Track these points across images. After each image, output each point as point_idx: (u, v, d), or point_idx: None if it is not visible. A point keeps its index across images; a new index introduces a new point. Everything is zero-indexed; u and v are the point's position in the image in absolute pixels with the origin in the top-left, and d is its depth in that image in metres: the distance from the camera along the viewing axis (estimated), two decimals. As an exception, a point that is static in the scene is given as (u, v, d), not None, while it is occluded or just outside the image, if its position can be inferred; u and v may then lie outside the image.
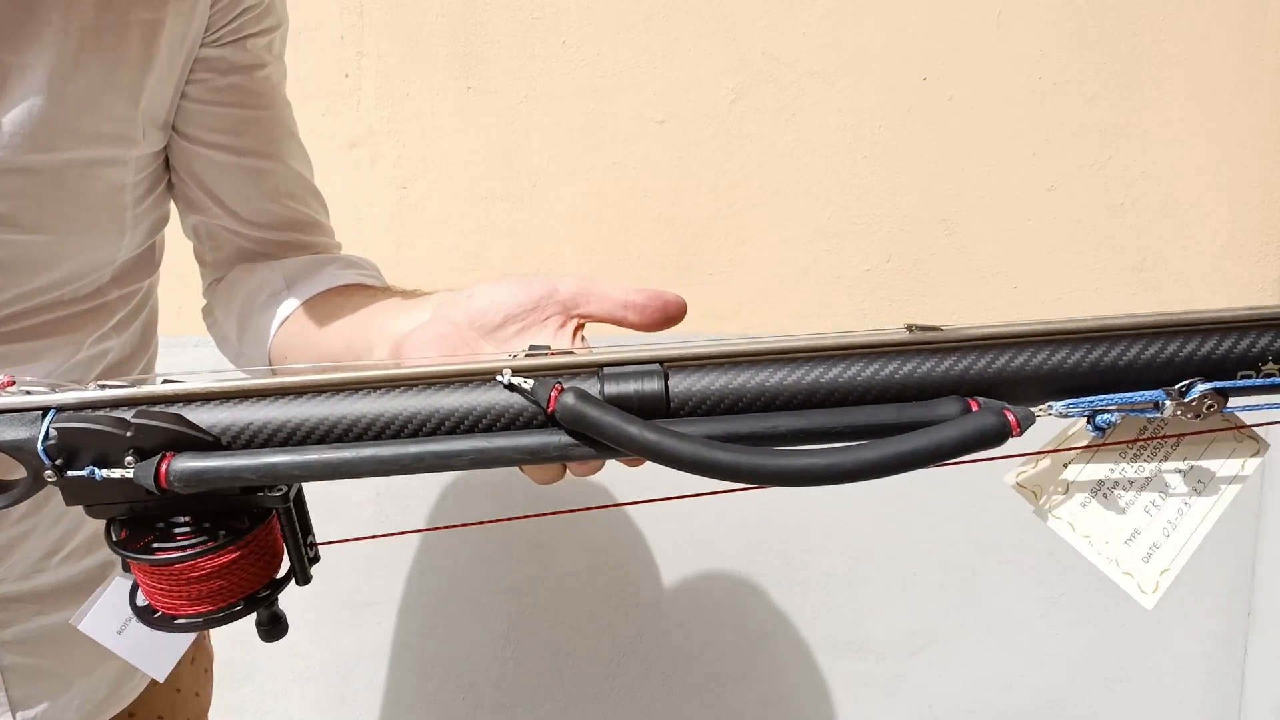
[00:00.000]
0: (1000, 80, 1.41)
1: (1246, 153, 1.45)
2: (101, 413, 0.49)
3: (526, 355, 0.51)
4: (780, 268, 1.44)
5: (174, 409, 0.49)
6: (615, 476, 1.50)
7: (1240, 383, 0.49)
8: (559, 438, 0.49)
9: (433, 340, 0.58)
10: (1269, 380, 0.49)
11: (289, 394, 0.50)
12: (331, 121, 1.37)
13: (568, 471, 0.56)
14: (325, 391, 0.50)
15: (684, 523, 1.51)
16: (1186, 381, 0.49)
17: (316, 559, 0.56)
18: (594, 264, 1.42)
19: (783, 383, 0.49)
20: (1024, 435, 0.48)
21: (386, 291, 0.77)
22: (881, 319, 1.46)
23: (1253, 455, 0.53)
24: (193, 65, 0.74)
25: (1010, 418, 0.47)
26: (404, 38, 1.35)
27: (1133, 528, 0.54)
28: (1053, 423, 0.51)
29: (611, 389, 0.49)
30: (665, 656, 1.57)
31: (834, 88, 1.40)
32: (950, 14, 1.39)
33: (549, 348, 0.53)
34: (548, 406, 0.48)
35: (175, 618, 0.53)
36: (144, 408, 0.49)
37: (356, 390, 0.50)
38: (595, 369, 0.50)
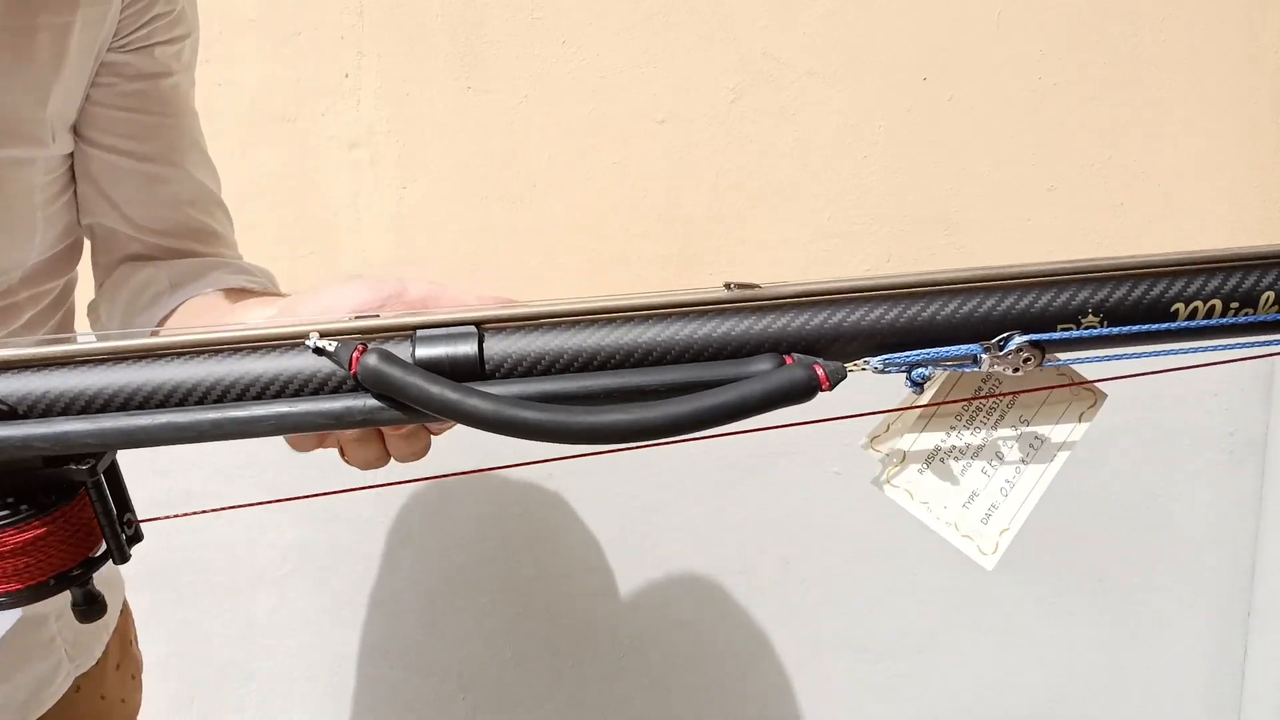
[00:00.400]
0: (1000, 80, 1.41)
1: (1246, 153, 1.45)
2: None
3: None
4: (780, 268, 1.44)
5: None
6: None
7: (1057, 335, 0.48)
8: (364, 401, 0.47)
9: None
10: (1088, 332, 0.48)
11: (89, 361, 0.48)
12: (331, 121, 1.37)
13: (392, 456, 0.55)
14: (128, 359, 0.49)
15: (684, 523, 1.51)
16: (1004, 335, 0.48)
17: (137, 537, 0.54)
18: (594, 264, 1.42)
19: (601, 343, 0.49)
20: (870, 397, 0.48)
21: (264, 295, 0.76)
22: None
23: (1090, 407, 0.53)
24: (99, 69, 0.74)
25: (819, 372, 0.46)
26: (404, 38, 1.35)
27: (970, 490, 0.53)
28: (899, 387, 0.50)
29: (424, 352, 0.48)
30: (665, 656, 1.57)
31: (834, 88, 1.40)
32: (950, 14, 1.39)
33: (378, 317, 0.51)
34: (350, 368, 0.47)
35: None
36: None
37: (160, 357, 0.49)
38: (408, 331, 0.49)
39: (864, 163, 1.42)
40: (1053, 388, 0.52)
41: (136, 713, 0.98)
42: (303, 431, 0.48)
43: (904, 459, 0.53)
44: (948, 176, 1.43)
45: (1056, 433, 0.53)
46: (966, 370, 0.48)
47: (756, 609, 1.55)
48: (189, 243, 0.81)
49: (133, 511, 0.53)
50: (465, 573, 1.52)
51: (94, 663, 0.90)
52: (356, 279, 0.58)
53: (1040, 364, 0.48)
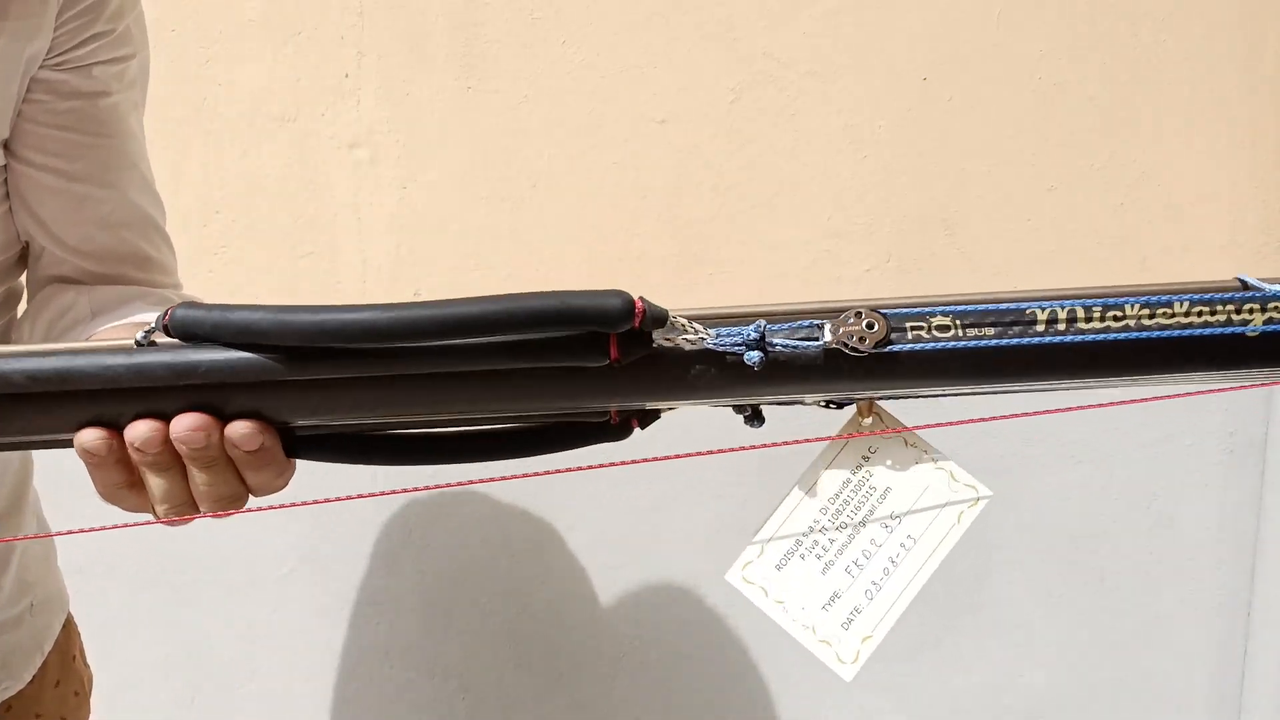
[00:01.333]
0: (1000, 80, 1.41)
1: (1246, 153, 1.45)
2: None
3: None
4: (780, 268, 1.44)
5: None
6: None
7: (903, 309, 0.47)
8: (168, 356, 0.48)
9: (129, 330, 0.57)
10: (930, 309, 0.47)
11: None
12: (331, 121, 1.37)
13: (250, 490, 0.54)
14: None
15: (685, 523, 1.51)
16: (850, 310, 0.47)
17: None
18: (594, 264, 1.42)
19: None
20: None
21: None
22: (881, 319, 1.46)
23: (971, 505, 0.50)
24: (32, 86, 0.72)
25: (639, 305, 0.45)
26: (404, 38, 1.35)
27: (832, 591, 0.49)
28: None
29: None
30: (665, 656, 1.56)
31: (834, 88, 1.40)
32: (950, 14, 1.39)
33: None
34: (163, 323, 0.48)
35: None
36: None
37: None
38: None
39: (864, 163, 1.42)
40: (920, 459, 0.49)
41: None
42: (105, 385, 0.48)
43: (761, 552, 0.49)
44: (948, 176, 1.43)
45: (932, 532, 0.49)
46: (810, 347, 0.45)
47: (757, 609, 1.55)
48: (120, 267, 0.79)
49: None
50: (466, 573, 1.52)
51: (25, 683, 0.87)
52: None
53: (886, 338, 0.45)
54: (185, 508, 0.54)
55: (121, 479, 0.53)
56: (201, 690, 1.51)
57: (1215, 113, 1.43)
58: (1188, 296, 0.48)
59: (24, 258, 0.80)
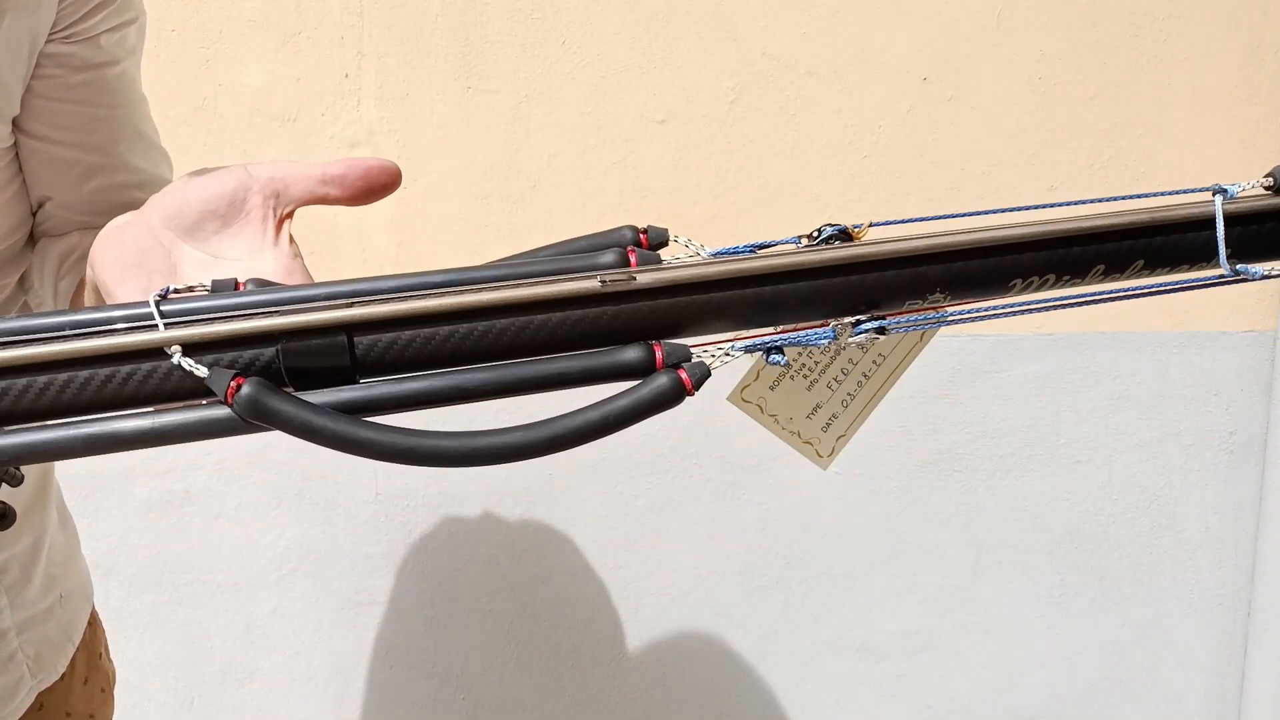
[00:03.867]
0: (1000, 80, 1.41)
1: (1246, 153, 1.45)
2: None
3: (173, 295, 0.48)
4: (780, 268, 1.44)
5: None
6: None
7: (905, 321, 0.52)
8: (229, 413, 0.47)
9: (123, 240, 0.54)
10: (931, 305, 0.52)
11: None
12: (331, 121, 1.37)
13: None
14: None
15: (685, 523, 1.51)
16: (854, 318, 0.51)
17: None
18: (594, 264, 1.42)
19: (470, 335, 0.49)
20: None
21: None
22: (881, 319, 1.46)
23: (932, 327, 0.58)
24: (42, 61, 0.72)
25: (684, 377, 0.48)
26: (404, 38, 1.35)
27: (815, 402, 0.58)
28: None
29: (292, 363, 0.47)
30: (665, 656, 1.57)
31: (834, 88, 1.40)
32: (950, 14, 1.39)
33: (192, 289, 0.50)
34: (226, 399, 0.46)
35: None
36: None
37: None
38: (273, 339, 0.47)
39: (864, 163, 1.42)
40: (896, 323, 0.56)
41: None
42: (176, 443, 0.47)
43: (757, 376, 0.57)
44: (948, 176, 1.43)
45: (896, 352, 0.58)
46: (825, 341, 0.52)
47: (757, 609, 1.55)
48: None
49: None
50: (466, 573, 1.52)
51: (58, 677, 0.87)
52: (203, 172, 0.55)
53: (881, 330, 0.52)
54: None
55: None
56: (201, 690, 1.52)
57: (1215, 112, 1.43)
58: (1142, 251, 0.56)
59: (23, 246, 0.80)
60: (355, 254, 1.40)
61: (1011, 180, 1.43)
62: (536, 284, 0.50)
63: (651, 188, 1.41)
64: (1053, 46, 1.40)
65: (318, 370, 0.47)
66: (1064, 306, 0.54)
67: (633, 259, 0.52)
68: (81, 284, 0.74)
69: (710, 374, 0.49)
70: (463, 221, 1.41)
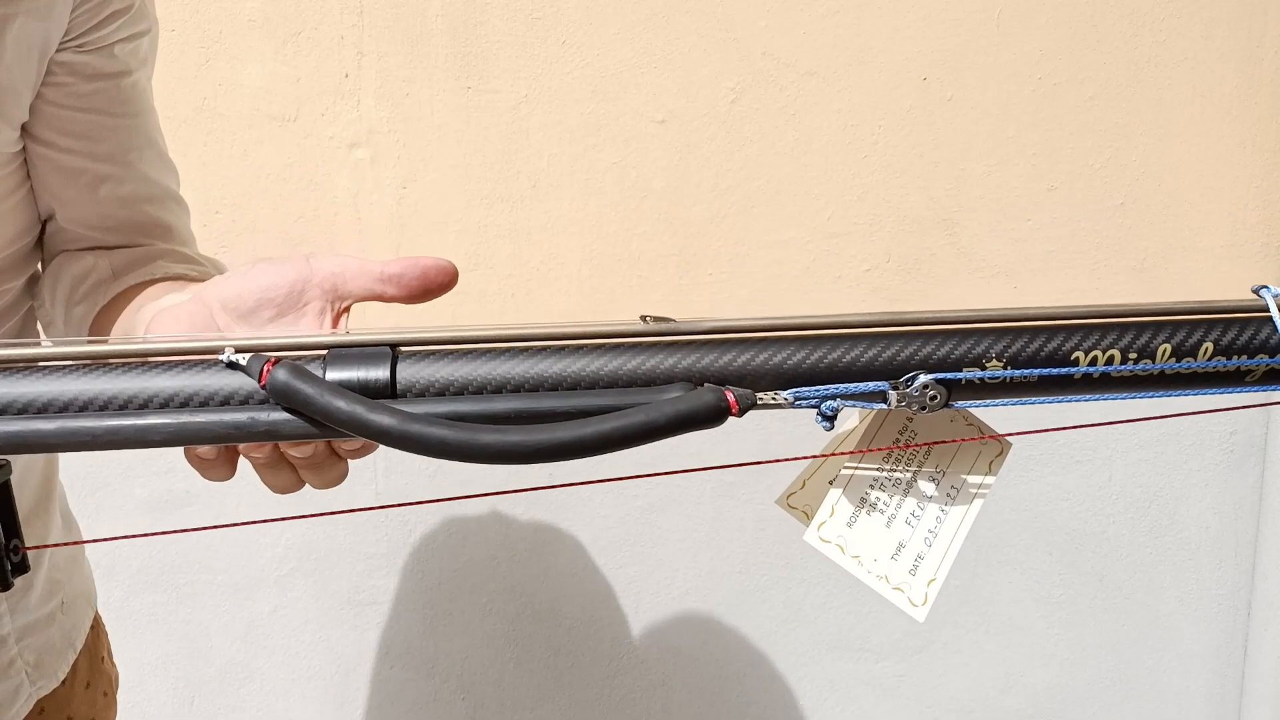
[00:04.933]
0: (1000, 80, 1.41)
1: (1246, 153, 1.45)
2: None
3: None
4: (780, 268, 1.44)
5: None
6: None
7: (962, 374, 0.50)
8: (270, 414, 0.47)
9: (179, 318, 0.55)
10: (991, 374, 0.50)
11: None
12: (331, 121, 1.37)
13: (308, 484, 0.55)
14: (31, 370, 0.48)
15: (684, 523, 1.51)
16: (911, 374, 0.49)
17: (23, 568, 0.52)
18: (594, 264, 1.42)
19: (513, 371, 0.48)
20: (783, 449, 0.50)
21: (190, 282, 0.74)
22: (881, 319, 1.46)
23: (998, 456, 0.55)
24: (54, 69, 0.72)
25: (729, 396, 0.47)
26: (404, 38, 1.35)
27: (897, 541, 0.54)
28: (816, 440, 0.52)
29: (336, 373, 0.48)
30: (665, 656, 1.57)
31: (834, 88, 1.40)
32: (950, 14, 1.39)
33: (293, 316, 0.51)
34: (260, 379, 0.46)
35: None
36: None
37: (70, 369, 0.48)
38: (322, 350, 0.48)
39: (864, 163, 1.42)
40: (961, 441, 0.55)
41: None
42: (203, 443, 0.47)
43: (833, 512, 0.54)
44: (948, 176, 1.43)
45: (970, 481, 0.55)
46: (877, 407, 0.50)
47: (757, 609, 1.55)
48: (139, 237, 0.79)
49: (21, 538, 0.52)
50: (466, 573, 1.52)
51: (58, 683, 0.87)
52: (265, 261, 0.56)
53: (946, 403, 0.50)
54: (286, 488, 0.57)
55: (222, 470, 0.55)
56: (201, 690, 1.52)
57: (1215, 113, 1.43)
58: (1212, 337, 0.52)
59: (38, 245, 0.80)
60: (355, 254, 1.40)
61: (1011, 180, 1.43)
62: (577, 325, 0.49)
63: (651, 188, 1.41)
64: (1053, 46, 1.40)
65: (359, 384, 0.47)
66: (1129, 395, 0.52)
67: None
68: (102, 315, 0.74)
69: (756, 403, 0.48)
70: (463, 221, 1.41)
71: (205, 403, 0.48)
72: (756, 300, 1.44)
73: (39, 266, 0.81)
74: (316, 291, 0.56)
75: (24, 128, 0.74)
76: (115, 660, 0.98)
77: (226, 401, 0.48)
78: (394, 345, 0.49)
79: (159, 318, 0.56)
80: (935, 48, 1.39)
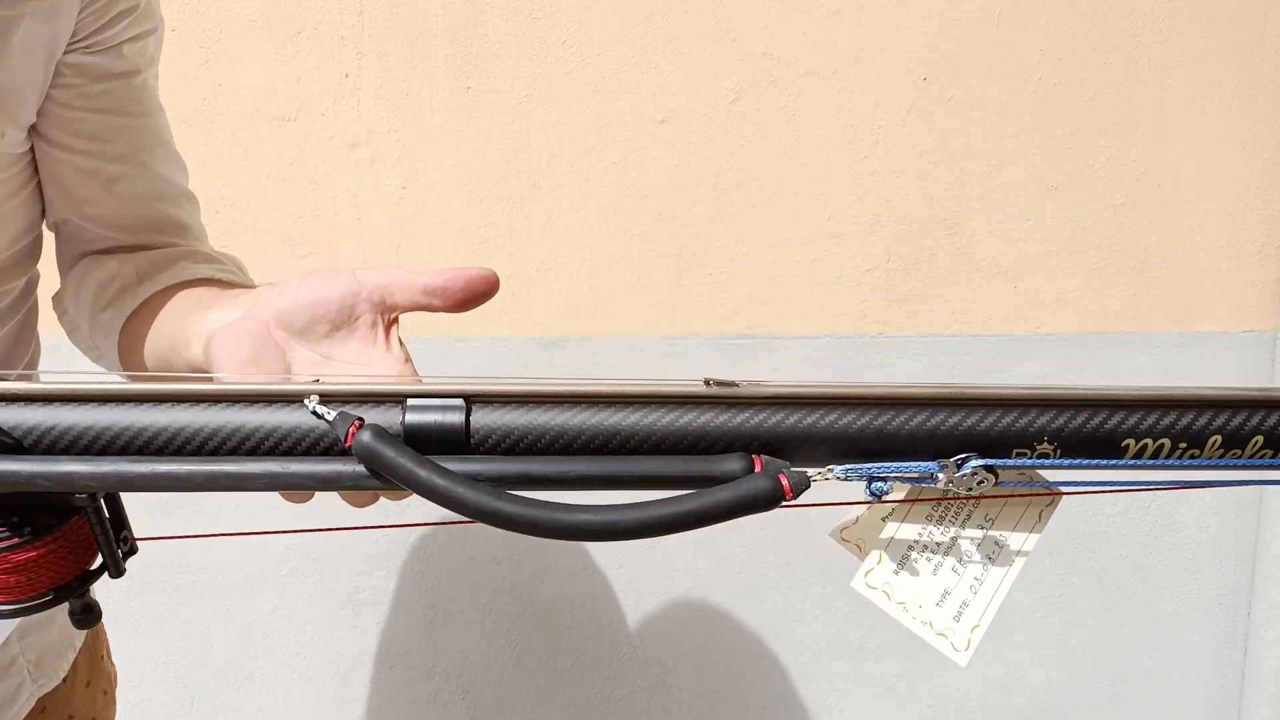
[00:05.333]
0: (1000, 80, 1.41)
1: (1246, 153, 1.45)
2: None
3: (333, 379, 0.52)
4: (780, 268, 1.44)
5: None
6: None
7: (1013, 461, 0.51)
8: (354, 467, 0.50)
9: (240, 337, 0.57)
10: (1041, 462, 0.51)
11: (94, 400, 0.51)
12: (331, 121, 1.37)
13: (354, 499, 0.57)
14: (131, 400, 0.51)
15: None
16: (962, 455, 0.50)
17: (132, 552, 0.56)
18: (594, 264, 1.42)
19: (582, 425, 0.51)
20: (833, 495, 0.50)
21: (231, 287, 0.75)
22: (882, 319, 1.46)
23: (1048, 506, 0.56)
24: (63, 70, 0.72)
25: (784, 482, 0.49)
26: (404, 38, 1.35)
27: (943, 588, 0.56)
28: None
29: (413, 419, 0.50)
30: (665, 656, 1.57)
31: (834, 88, 1.40)
32: (950, 14, 1.39)
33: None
34: (345, 441, 0.49)
35: None
36: None
37: (162, 401, 0.51)
38: (399, 399, 0.51)
39: (864, 163, 1.42)
40: (1013, 495, 0.55)
41: None
42: (293, 489, 0.50)
43: (880, 560, 0.55)
44: (948, 176, 1.43)
45: (1018, 531, 0.56)
46: (925, 485, 0.51)
47: (757, 609, 1.55)
48: (156, 236, 0.80)
49: (129, 529, 0.55)
50: (466, 573, 1.52)
51: (59, 681, 0.88)
52: (314, 276, 0.58)
53: (995, 484, 0.51)
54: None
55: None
56: (201, 690, 1.52)
57: (1215, 112, 1.43)
58: (1265, 429, 0.52)
59: (37, 244, 0.80)
60: (355, 254, 1.40)
61: (1011, 180, 1.43)
62: (643, 384, 0.52)
63: (651, 188, 1.41)
64: (1053, 46, 1.40)
65: (435, 431, 0.50)
66: (1176, 485, 0.53)
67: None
68: (133, 321, 0.75)
69: (810, 485, 0.50)
70: (463, 221, 1.41)
71: (291, 446, 0.51)
72: (757, 300, 1.44)
73: (35, 274, 0.81)
74: (366, 305, 0.58)
75: (35, 129, 0.74)
76: (115, 660, 0.99)
77: (312, 446, 0.51)
78: (468, 396, 0.51)
79: (218, 337, 0.58)
80: (935, 48, 1.39)
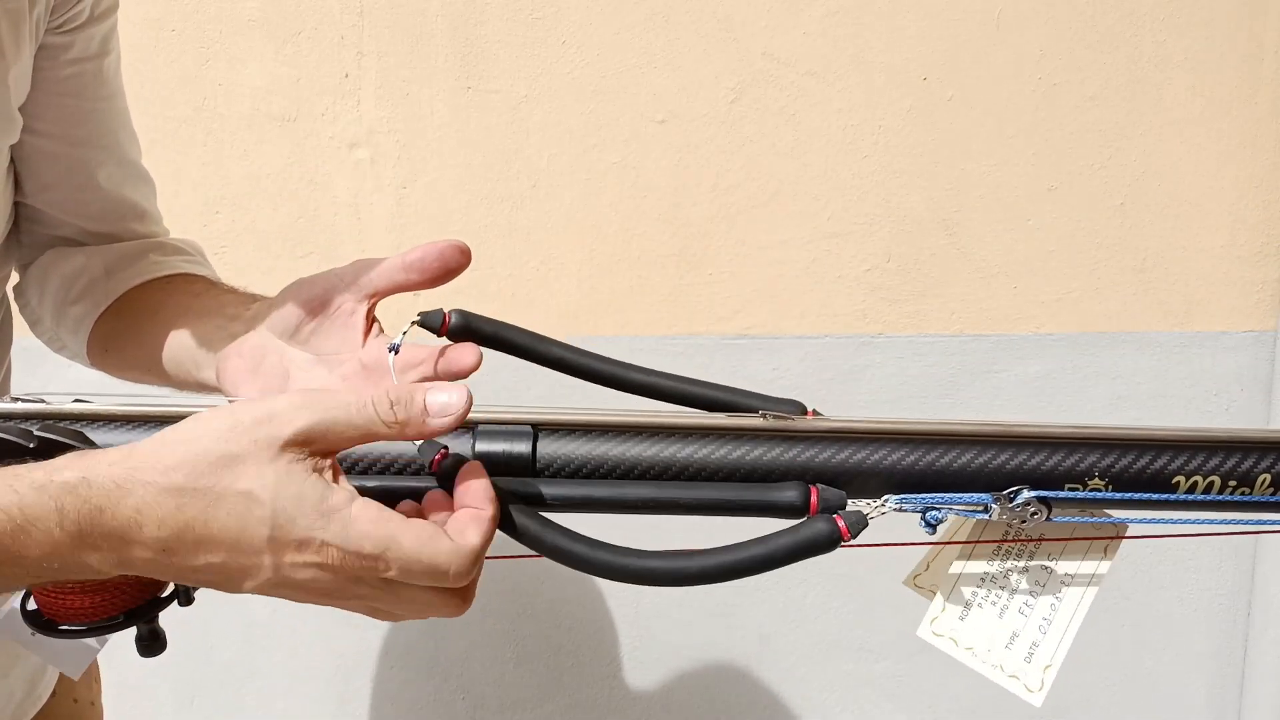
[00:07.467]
0: (1000, 80, 1.41)
1: (1246, 153, 1.45)
2: (10, 424, 0.50)
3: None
4: (780, 268, 1.44)
5: (78, 427, 0.51)
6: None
7: (1064, 494, 0.51)
8: (431, 486, 0.52)
9: (259, 362, 0.60)
10: (1092, 494, 0.51)
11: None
12: (331, 121, 1.37)
13: None
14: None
15: (685, 522, 1.51)
16: (1014, 488, 0.51)
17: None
18: (594, 264, 1.42)
19: (642, 454, 0.53)
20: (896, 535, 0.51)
21: (207, 286, 0.75)
22: (882, 319, 1.46)
23: (1113, 540, 0.56)
24: (36, 53, 0.71)
25: (840, 524, 0.50)
26: (404, 38, 1.35)
27: (1011, 630, 0.55)
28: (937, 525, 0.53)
29: (483, 446, 0.53)
30: (665, 656, 1.57)
31: (834, 88, 1.40)
32: (950, 14, 1.39)
33: (396, 347, 0.57)
34: (432, 467, 0.51)
35: (58, 624, 0.54)
36: (49, 423, 0.51)
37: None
38: (470, 426, 0.53)
39: (864, 163, 1.42)
40: (1074, 537, 0.55)
41: (102, 716, 0.96)
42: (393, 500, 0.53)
43: (944, 608, 0.55)
44: (948, 176, 1.43)
45: (1084, 567, 0.55)
46: (979, 517, 0.51)
47: (757, 609, 1.55)
48: (120, 224, 0.79)
49: None
50: (465, 573, 1.52)
51: (45, 700, 0.87)
52: (295, 283, 0.61)
53: (1048, 518, 0.51)
54: None
55: None
56: (201, 690, 1.52)
57: (1215, 113, 1.43)
58: None
59: (13, 240, 0.79)
60: (355, 254, 1.39)
61: (1011, 180, 1.43)
62: (703, 417, 0.54)
63: (651, 188, 1.41)
64: (1053, 46, 1.40)
65: (505, 457, 0.53)
66: (1226, 521, 0.53)
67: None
68: (110, 318, 0.74)
69: (867, 524, 0.51)
70: (463, 221, 1.41)
71: (377, 461, 0.53)
72: (757, 300, 1.44)
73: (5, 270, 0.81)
74: (346, 294, 0.60)
75: None
76: (114, 660, 0.99)
77: (398, 463, 0.54)
78: (535, 425, 0.54)
79: (230, 364, 0.60)
80: (935, 48, 1.39)
